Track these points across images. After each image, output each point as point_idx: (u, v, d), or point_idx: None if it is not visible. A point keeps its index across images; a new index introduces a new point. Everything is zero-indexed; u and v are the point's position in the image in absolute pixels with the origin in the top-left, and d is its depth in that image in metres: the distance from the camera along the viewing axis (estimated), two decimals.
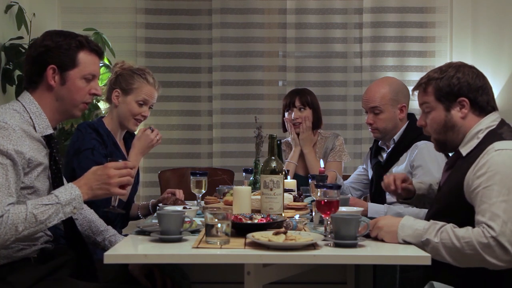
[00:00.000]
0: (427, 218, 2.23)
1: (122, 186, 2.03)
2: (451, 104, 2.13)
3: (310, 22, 4.72)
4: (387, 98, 2.99)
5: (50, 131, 2.07)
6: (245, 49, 4.74)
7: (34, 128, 2.03)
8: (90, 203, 2.31)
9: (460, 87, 2.11)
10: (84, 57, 2.10)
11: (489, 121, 2.11)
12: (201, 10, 4.74)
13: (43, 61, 2.05)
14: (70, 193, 1.94)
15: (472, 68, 2.17)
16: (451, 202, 2.06)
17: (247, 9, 4.74)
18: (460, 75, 2.12)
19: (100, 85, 2.25)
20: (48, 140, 2.07)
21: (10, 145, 1.90)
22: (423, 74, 4.73)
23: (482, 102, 2.12)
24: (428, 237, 1.93)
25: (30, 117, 2.02)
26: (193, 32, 4.74)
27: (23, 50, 3.75)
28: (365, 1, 4.71)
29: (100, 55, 2.16)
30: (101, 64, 4.10)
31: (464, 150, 2.12)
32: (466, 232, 1.90)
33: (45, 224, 1.89)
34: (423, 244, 1.94)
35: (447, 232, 1.92)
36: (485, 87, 2.14)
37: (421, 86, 2.20)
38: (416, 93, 2.25)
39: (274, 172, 2.24)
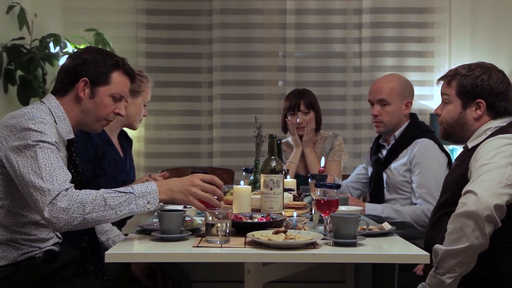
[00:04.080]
0: (436, 208, 2.27)
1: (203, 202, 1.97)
2: (468, 103, 2.22)
3: (309, 23, 4.74)
4: (395, 92, 3.02)
5: (71, 136, 2.11)
6: (245, 49, 4.75)
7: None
8: None
9: (482, 89, 2.19)
10: (117, 77, 2.14)
11: (500, 122, 2.19)
12: (201, 11, 4.75)
13: (77, 72, 2.10)
14: (146, 186, 1.92)
15: (499, 73, 2.24)
16: (457, 191, 2.08)
17: (247, 10, 4.75)
18: (485, 77, 2.20)
19: None
20: (68, 145, 2.11)
21: (54, 138, 1.94)
22: (422, 74, 4.81)
23: (500, 107, 2.19)
24: None
25: (55, 120, 2.05)
26: (194, 33, 4.75)
27: (25, 51, 3.77)
28: (364, 1, 4.72)
29: (132, 78, 2.21)
30: None
31: (471, 144, 2.20)
32: None
33: (115, 211, 1.85)
34: None
35: None
36: (507, 94, 2.21)
37: (447, 78, 2.29)
38: (441, 83, 2.32)
39: (274, 171, 2.26)
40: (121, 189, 1.91)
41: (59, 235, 2.17)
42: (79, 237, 2.17)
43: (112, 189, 1.90)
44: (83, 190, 1.88)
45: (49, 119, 1.99)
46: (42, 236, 2.04)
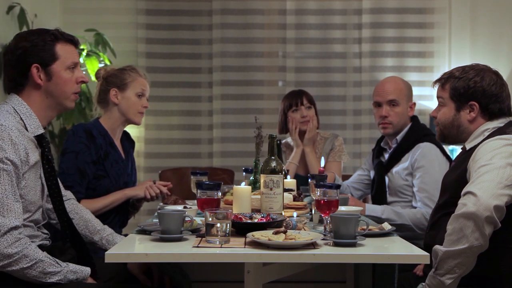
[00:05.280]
0: (435, 209, 2.27)
1: None
2: (462, 105, 2.22)
3: (309, 23, 4.74)
4: (403, 93, 3.05)
5: (41, 130, 2.09)
6: (245, 49, 4.75)
7: (26, 129, 2.05)
8: None
9: (475, 91, 2.19)
10: (61, 48, 2.12)
11: (497, 123, 2.18)
12: (201, 11, 4.75)
13: (24, 62, 2.07)
14: (80, 266, 2.03)
15: (493, 74, 2.23)
16: (456, 192, 2.08)
17: (247, 10, 4.75)
18: (478, 79, 2.19)
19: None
20: (39, 140, 2.09)
21: (10, 147, 1.93)
22: (422, 74, 4.81)
23: (493, 109, 2.18)
24: None
25: (21, 118, 2.04)
26: (194, 33, 4.76)
27: None
28: (364, 2, 4.72)
29: (75, 44, 2.19)
30: (102, 64, 4.13)
31: (469, 145, 2.20)
32: None
33: (46, 277, 1.93)
34: None
35: None
36: (500, 96, 2.20)
37: (441, 80, 2.29)
38: (436, 85, 2.32)
39: (274, 171, 2.26)
40: (59, 261, 1.99)
41: (45, 231, 2.17)
42: (63, 232, 2.19)
43: (52, 257, 1.97)
44: (33, 245, 1.92)
45: (8, 123, 1.97)
46: (26, 233, 2.02)
